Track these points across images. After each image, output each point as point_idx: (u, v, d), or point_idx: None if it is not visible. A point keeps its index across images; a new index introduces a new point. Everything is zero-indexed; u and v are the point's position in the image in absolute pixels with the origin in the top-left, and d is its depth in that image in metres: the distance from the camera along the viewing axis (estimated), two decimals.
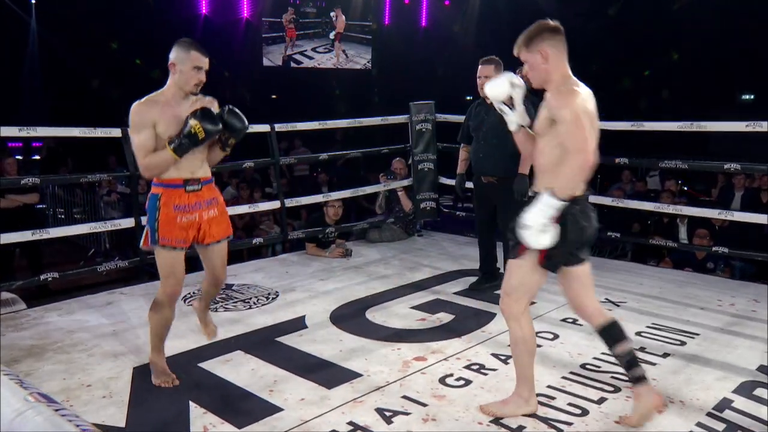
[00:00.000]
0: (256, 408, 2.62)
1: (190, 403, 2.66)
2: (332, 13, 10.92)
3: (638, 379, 2.39)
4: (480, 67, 3.88)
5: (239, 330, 3.51)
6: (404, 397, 2.70)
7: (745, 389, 2.74)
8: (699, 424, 2.45)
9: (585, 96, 2.28)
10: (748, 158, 4.34)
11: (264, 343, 3.32)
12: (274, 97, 11.29)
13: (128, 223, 4.42)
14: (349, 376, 2.90)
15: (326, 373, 2.93)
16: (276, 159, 5.11)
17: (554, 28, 2.31)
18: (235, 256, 5.34)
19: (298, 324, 3.61)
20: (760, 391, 2.71)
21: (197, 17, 10.20)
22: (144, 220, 2.87)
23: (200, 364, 3.06)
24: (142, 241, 2.70)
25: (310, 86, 11.06)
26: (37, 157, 9.85)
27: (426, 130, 5.77)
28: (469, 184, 4.42)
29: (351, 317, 3.72)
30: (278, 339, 3.38)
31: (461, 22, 11.46)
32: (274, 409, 2.60)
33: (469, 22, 11.42)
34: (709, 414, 2.53)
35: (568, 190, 2.21)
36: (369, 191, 5.93)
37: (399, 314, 3.76)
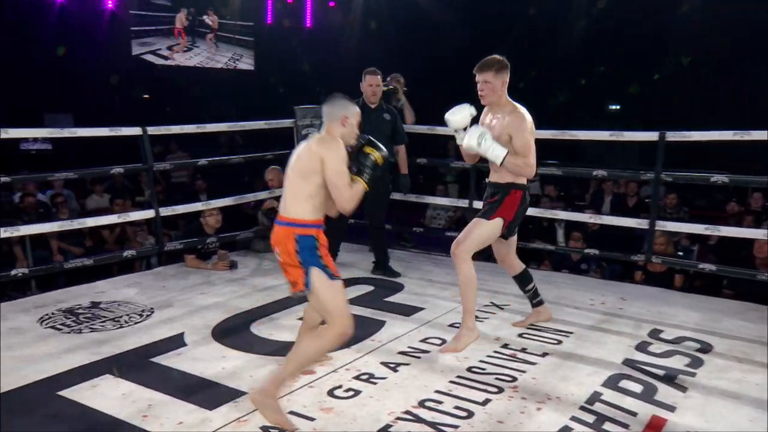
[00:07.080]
0: None
1: None
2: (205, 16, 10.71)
3: (538, 303, 3.69)
4: (367, 77, 4.65)
5: (108, 352, 3.33)
6: (291, 412, 2.70)
7: (612, 381, 3.03)
8: (573, 418, 2.68)
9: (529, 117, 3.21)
10: (620, 165, 4.73)
11: (137, 365, 3.17)
12: (146, 97, 10.73)
13: None
14: (233, 394, 2.86)
15: (207, 393, 2.86)
16: (149, 164, 4.91)
17: (508, 65, 3.21)
18: (104, 271, 5.05)
19: (176, 342, 3.49)
20: (624, 383, 3.01)
21: (51, 5, 9.34)
22: None
23: (61, 392, 2.86)
24: (293, 287, 2.70)
25: (187, 87, 10.61)
26: None
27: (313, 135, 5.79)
28: None
29: (234, 332, 3.65)
30: (153, 359, 3.25)
31: (346, 25, 11.53)
32: None
33: (353, 25, 11.55)
34: (581, 408, 2.77)
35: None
36: (251, 199, 5.81)
37: (286, 326, 3.73)
